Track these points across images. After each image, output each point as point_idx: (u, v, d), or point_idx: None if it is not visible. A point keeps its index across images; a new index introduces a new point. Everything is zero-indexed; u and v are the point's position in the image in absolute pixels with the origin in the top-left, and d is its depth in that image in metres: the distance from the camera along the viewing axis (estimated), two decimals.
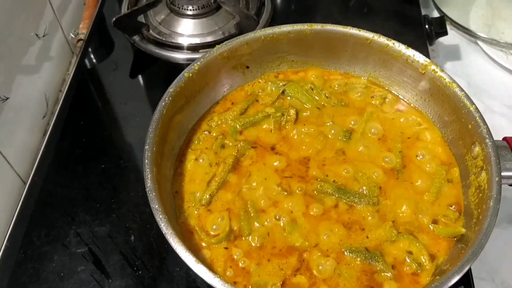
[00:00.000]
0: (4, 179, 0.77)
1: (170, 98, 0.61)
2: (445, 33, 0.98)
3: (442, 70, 0.64)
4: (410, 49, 0.66)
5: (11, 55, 0.79)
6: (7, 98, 0.78)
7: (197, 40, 0.92)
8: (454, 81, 0.62)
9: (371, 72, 0.73)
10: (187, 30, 0.93)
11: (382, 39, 0.68)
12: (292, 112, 0.69)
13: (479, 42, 1.03)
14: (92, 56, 0.95)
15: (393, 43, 0.67)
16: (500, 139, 0.61)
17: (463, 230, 0.58)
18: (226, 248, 0.58)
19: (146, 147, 0.56)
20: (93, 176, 0.75)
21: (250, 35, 0.67)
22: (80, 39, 1.00)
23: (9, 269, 0.66)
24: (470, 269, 0.66)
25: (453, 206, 0.61)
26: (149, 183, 0.53)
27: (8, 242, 0.69)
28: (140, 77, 0.92)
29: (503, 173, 0.55)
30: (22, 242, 0.69)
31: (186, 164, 0.66)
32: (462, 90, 0.61)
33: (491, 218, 0.51)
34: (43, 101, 0.91)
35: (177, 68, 0.93)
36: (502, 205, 0.80)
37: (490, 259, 0.76)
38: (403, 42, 0.68)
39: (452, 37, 1.04)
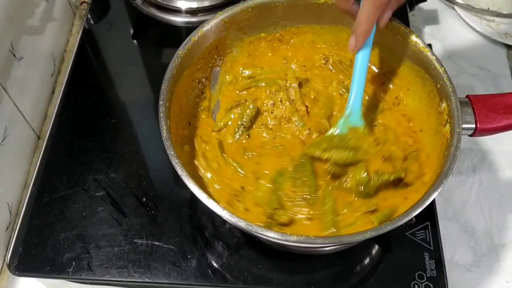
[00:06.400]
0: (21, 133, 0.86)
1: (179, 60, 0.68)
2: None
3: (418, 37, 0.72)
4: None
5: (19, 17, 0.85)
6: (22, 58, 0.85)
7: (194, 4, 0.99)
8: (427, 47, 0.71)
9: None
10: None
11: None
12: None
13: (456, 8, 1.10)
14: (91, 20, 1.02)
15: None
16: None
17: None
18: None
19: (160, 102, 0.64)
20: (106, 130, 0.84)
21: (249, 3, 0.74)
22: (84, 1, 1.06)
23: (36, 210, 0.75)
24: (435, 210, 0.76)
25: None
26: (164, 133, 0.61)
27: (34, 187, 0.77)
28: (140, 39, 0.99)
29: (463, 125, 0.64)
30: (46, 187, 0.77)
31: None
32: (433, 54, 0.70)
33: (451, 162, 0.60)
34: (50, 60, 0.97)
35: (176, 30, 1.00)
36: (469, 157, 0.91)
37: (455, 203, 0.86)
38: None
39: (431, 3, 1.11)
